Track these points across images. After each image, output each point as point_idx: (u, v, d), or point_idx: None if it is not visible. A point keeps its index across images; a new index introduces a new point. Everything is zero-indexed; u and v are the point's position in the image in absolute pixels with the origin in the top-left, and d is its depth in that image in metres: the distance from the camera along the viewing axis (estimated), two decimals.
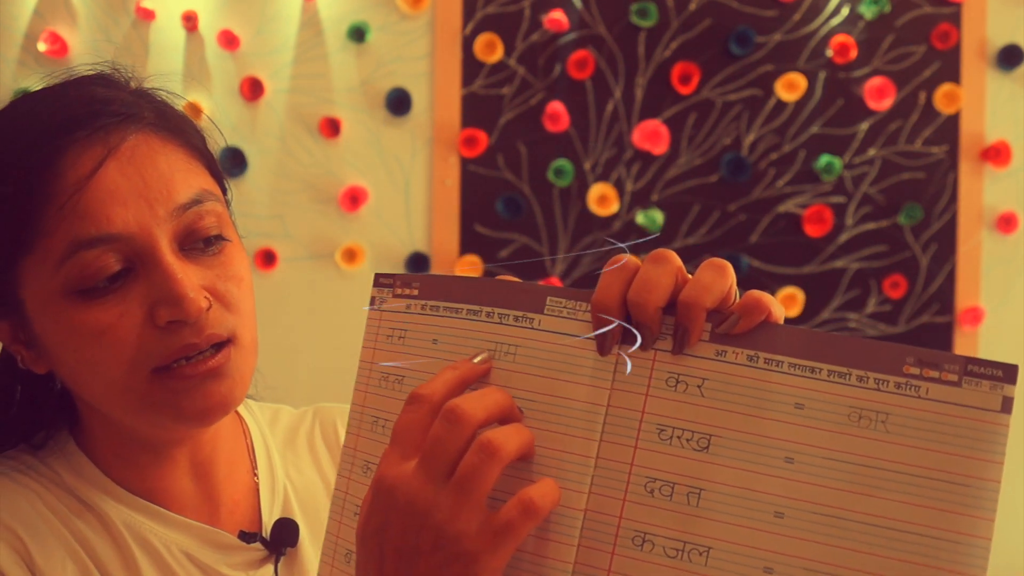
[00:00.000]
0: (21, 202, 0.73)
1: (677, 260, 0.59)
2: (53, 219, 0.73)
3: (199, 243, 0.77)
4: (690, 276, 0.59)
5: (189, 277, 0.74)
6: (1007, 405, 0.52)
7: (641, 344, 0.59)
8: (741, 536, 0.55)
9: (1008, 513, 2.61)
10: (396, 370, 0.67)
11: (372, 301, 0.70)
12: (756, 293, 0.57)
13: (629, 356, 0.59)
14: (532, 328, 0.61)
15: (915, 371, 0.54)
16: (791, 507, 0.55)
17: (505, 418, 0.59)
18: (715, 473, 0.56)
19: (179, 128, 0.80)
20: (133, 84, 0.82)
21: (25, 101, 0.80)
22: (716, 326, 0.58)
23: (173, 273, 0.73)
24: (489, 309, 0.63)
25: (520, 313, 0.62)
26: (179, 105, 0.84)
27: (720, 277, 0.58)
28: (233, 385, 0.77)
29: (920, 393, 0.54)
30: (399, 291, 0.68)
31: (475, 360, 0.62)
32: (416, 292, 0.67)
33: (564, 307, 0.61)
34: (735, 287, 0.59)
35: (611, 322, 0.59)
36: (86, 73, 0.82)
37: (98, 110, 0.76)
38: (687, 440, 0.57)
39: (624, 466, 0.58)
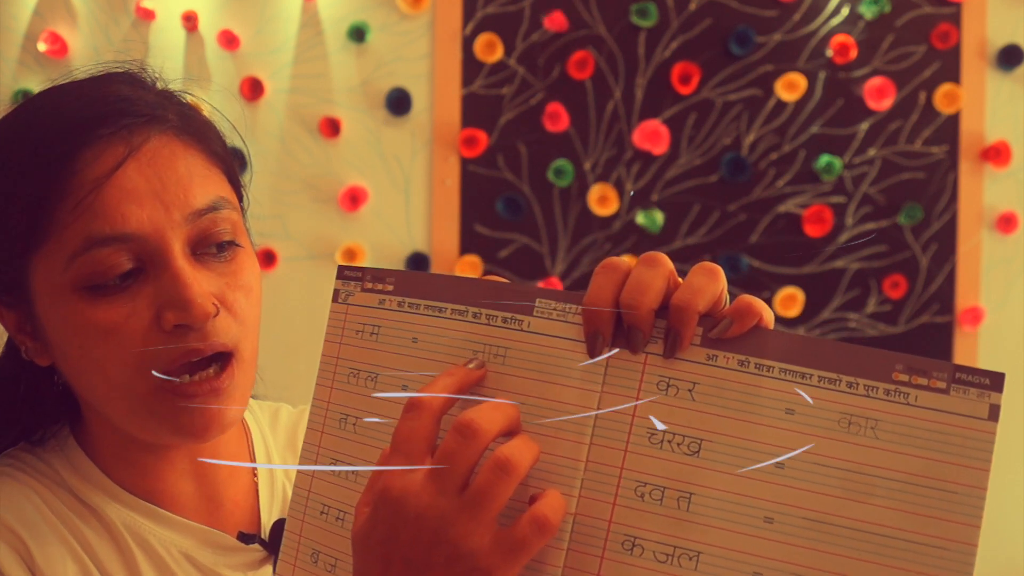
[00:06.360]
0: (39, 195, 0.74)
1: (669, 263, 0.59)
2: (69, 214, 0.73)
3: (211, 248, 0.77)
4: (681, 280, 0.59)
5: (199, 282, 0.74)
6: (994, 413, 0.53)
7: (632, 347, 0.58)
8: (730, 541, 0.55)
9: (1008, 513, 2.62)
10: (369, 367, 0.66)
11: (336, 295, 0.68)
12: (747, 298, 0.57)
13: (620, 359, 0.59)
14: (521, 330, 0.61)
15: (904, 378, 0.54)
16: (781, 512, 0.55)
17: (512, 430, 0.59)
18: (705, 477, 0.56)
19: (201, 133, 0.80)
20: (159, 85, 0.82)
21: (50, 94, 0.80)
22: (707, 330, 0.57)
23: (183, 277, 0.73)
24: (476, 309, 0.62)
25: (509, 315, 0.61)
26: (204, 109, 0.84)
27: (712, 281, 0.57)
28: (232, 403, 0.77)
29: (909, 400, 0.54)
30: (368, 286, 0.67)
31: (469, 366, 0.61)
32: (391, 288, 0.66)
33: (554, 309, 0.60)
34: (726, 291, 0.59)
35: (602, 324, 0.58)
36: (113, 70, 0.82)
37: (123, 109, 0.76)
38: (677, 444, 0.57)
39: (614, 470, 0.58)
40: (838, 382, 0.55)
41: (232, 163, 0.83)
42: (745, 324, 0.57)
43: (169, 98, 0.81)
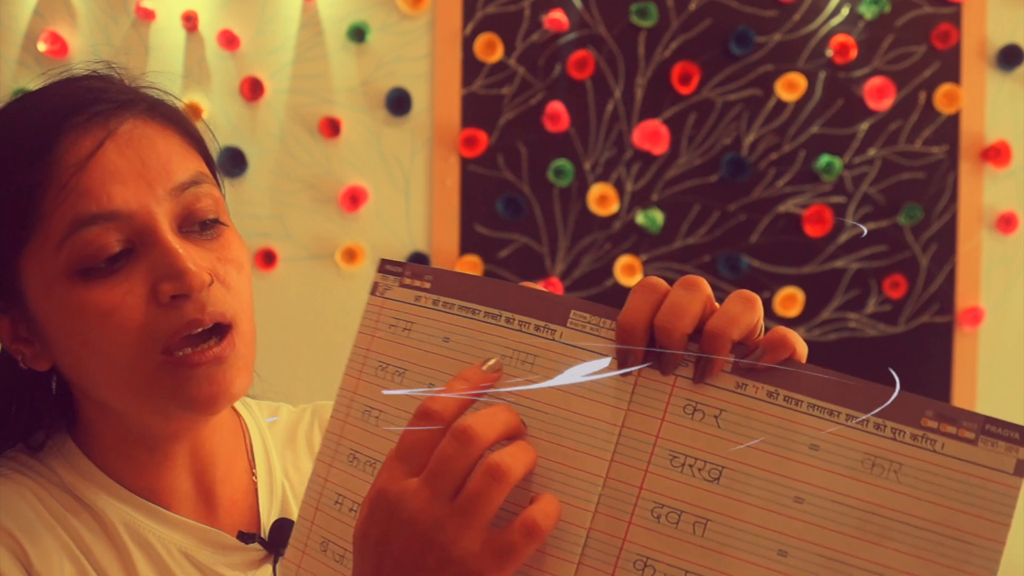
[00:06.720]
0: (22, 188, 0.74)
1: (707, 288, 0.59)
2: (53, 201, 0.74)
3: (196, 226, 0.78)
4: (718, 305, 0.59)
5: (190, 253, 0.75)
6: (1021, 468, 0.52)
7: (663, 369, 0.58)
8: (743, 571, 0.55)
9: None
10: (397, 361, 0.66)
11: (375, 287, 0.69)
12: (782, 330, 0.58)
13: (649, 379, 0.59)
14: (553, 340, 0.61)
15: (933, 424, 0.54)
16: (796, 547, 0.55)
17: (512, 435, 0.59)
18: (723, 505, 0.56)
19: (173, 116, 0.81)
20: (127, 81, 0.84)
21: (21, 98, 0.81)
22: (739, 358, 0.58)
23: (174, 248, 0.74)
24: (509, 315, 0.62)
25: (542, 323, 0.61)
26: (173, 101, 0.85)
27: (748, 310, 0.58)
28: (237, 372, 0.77)
29: (936, 447, 0.53)
30: (407, 281, 0.67)
31: (485, 367, 0.61)
32: (428, 285, 0.66)
33: (588, 322, 0.60)
34: (762, 321, 0.59)
35: (635, 343, 0.59)
36: (81, 72, 0.83)
37: (95, 97, 0.77)
38: (699, 469, 0.57)
39: (633, 489, 0.58)
40: (866, 423, 0.55)
41: (207, 147, 0.85)
42: (777, 356, 0.57)
43: (137, 89, 0.82)
